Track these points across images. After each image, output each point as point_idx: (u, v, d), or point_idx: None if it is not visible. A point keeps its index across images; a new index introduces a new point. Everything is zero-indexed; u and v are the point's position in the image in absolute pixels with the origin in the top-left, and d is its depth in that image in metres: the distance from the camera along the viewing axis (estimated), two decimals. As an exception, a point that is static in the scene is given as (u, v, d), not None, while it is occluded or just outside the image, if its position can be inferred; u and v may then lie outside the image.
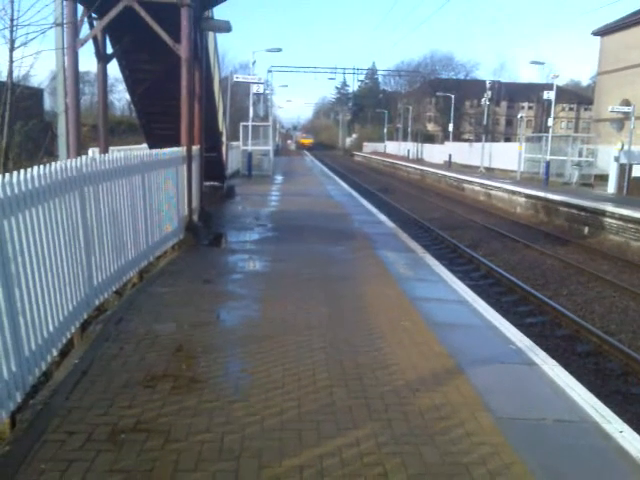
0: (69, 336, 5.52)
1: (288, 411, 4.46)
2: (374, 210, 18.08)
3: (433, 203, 28.95)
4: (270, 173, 32.38)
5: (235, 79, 34.00)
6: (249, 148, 31.42)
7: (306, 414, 4.42)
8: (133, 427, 4.11)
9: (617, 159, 25.46)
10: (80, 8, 10.66)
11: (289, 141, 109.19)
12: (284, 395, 4.73)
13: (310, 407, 4.54)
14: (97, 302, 6.46)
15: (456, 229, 20.39)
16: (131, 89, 14.04)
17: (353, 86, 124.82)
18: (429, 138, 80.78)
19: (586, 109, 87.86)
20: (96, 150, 13.07)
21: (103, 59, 12.06)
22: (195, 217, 11.74)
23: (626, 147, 25.74)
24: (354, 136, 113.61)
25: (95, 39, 11.55)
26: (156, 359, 5.36)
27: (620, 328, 10.26)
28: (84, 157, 6.25)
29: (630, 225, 17.99)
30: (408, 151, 69.72)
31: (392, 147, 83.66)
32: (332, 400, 4.68)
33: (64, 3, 10.18)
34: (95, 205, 6.39)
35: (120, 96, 66.67)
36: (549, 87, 36.99)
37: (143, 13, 10.15)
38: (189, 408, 4.42)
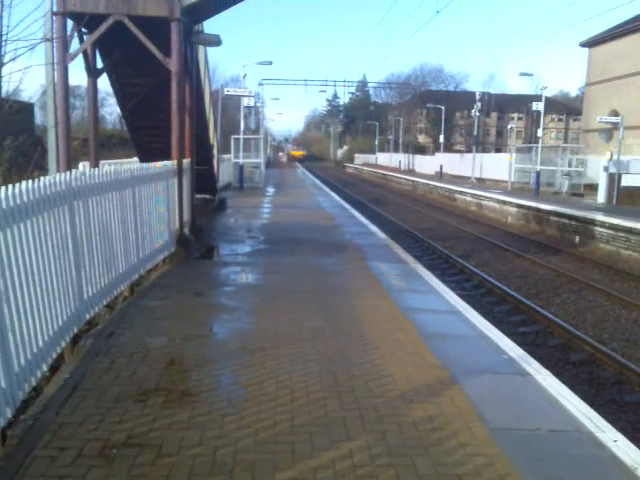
0: (59, 351, 5.46)
1: (281, 423, 4.43)
2: (366, 221, 18.10)
3: (425, 214, 29.02)
4: (261, 185, 32.40)
5: (226, 92, 34.07)
6: (240, 161, 31.45)
7: (299, 426, 4.39)
8: (124, 442, 4.07)
9: (606, 169, 25.62)
10: (70, 23, 10.66)
11: (280, 153, 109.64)
12: (277, 407, 4.70)
13: (303, 419, 4.51)
14: (88, 316, 6.41)
15: (448, 239, 20.43)
16: (121, 103, 14.04)
17: (344, 98, 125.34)
18: (420, 149, 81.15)
19: (575, 120, 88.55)
20: (87, 164, 13.05)
21: (93, 73, 12.06)
22: (186, 230, 11.71)
23: (615, 157, 25.93)
24: (345, 148, 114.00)
25: (85, 53, 11.54)
26: (148, 373, 5.32)
27: (612, 336, 10.28)
28: (74, 171, 6.23)
29: (620, 234, 18.09)
30: (399, 162, 70.03)
31: (383, 158, 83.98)
32: (325, 412, 4.65)
33: (53, 18, 10.19)
34: (85, 219, 6.35)
35: (111, 110, 66.59)
36: (538, 98, 37.27)
37: (133, 27, 10.17)
38: (181, 422, 4.38)
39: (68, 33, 10.56)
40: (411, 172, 61.33)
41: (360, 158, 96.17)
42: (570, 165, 33.69)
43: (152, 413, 4.51)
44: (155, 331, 6.57)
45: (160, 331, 6.58)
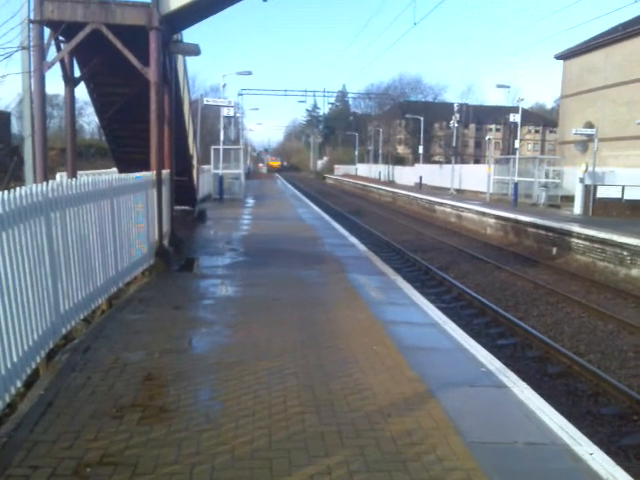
0: (34, 366, 5.38)
1: (259, 439, 4.40)
2: (346, 233, 18.13)
3: (405, 225, 29.17)
4: (241, 197, 32.35)
5: (205, 102, 34.05)
6: (220, 172, 31.38)
7: (277, 442, 4.36)
8: (99, 460, 4.01)
9: (582, 180, 26.00)
10: (47, 31, 10.58)
11: (260, 164, 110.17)
12: (255, 423, 4.67)
13: (281, 435, 4.48)
14: (64, 330, 6.33)
15: (428, 251, 20.54)
16: (100, 112, 13.94)
17: (324, 109, 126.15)
18: (400, 160, 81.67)
19: (551, 131, 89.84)
20: (64, 174, 12.91)
21: (71, 82, 11.96)
22: (166, 242, 11.63)
23: (590, 169, 26.33)
24: (325, 159, 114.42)
25: (62, 62, 11.45)
26: (125, 389, 5.25)
27: (589, 348, 10.38)
28: (51, 182, 6.16)
29: (596, 245, 18.33)
30: (379, 173, 70.39)
31: (363, 169, 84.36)
32: (303, 427, 4.63)
33: (30, 26, 10.11)
34: (62, 231, 6.29)
35: (89, 119, 66.28)
36: (515, 110, 37.81)
37: (111, 36, 10.12)
38: (157, 439, 4.33)
39: (45, 41, 10.49)
40: (391, 183, 61.65)
41: (340, 169, 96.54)
42: (547, 176, 34.14)
43: (128, 430, 4.45)
44: (133, 345, 6.50)
45: (138, 345, 6.51)
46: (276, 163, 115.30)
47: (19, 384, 4.96)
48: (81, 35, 10.20)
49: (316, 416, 4.83)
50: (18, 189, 5.19)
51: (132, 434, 4.39)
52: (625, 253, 16.98)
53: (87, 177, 7.49)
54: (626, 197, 25.16)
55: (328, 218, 23.03)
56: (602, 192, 25.68)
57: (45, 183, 5.98)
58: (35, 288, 5.43)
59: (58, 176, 13.61)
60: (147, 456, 4.08)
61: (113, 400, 4.99)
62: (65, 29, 10.17)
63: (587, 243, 18.85)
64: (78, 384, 5.33)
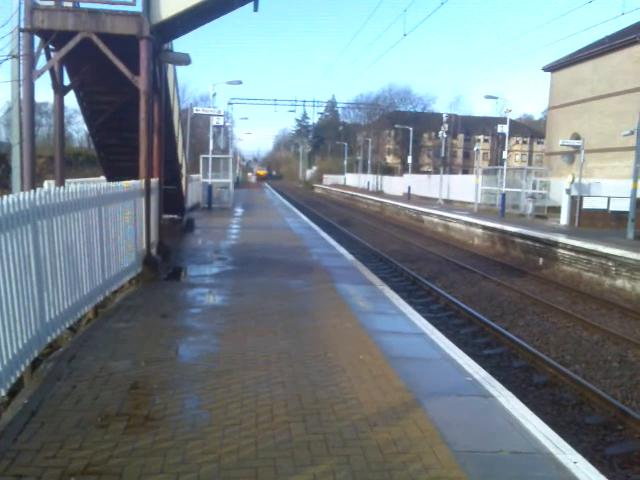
0: (18, 375, 5.35)
1: (245, 448, 4.40)
2: (334, 243, 18.16)
3: (393, 235, 29.25)
4: (230, 206, 32.33)
5: (195, 111, 34.06)
6: (209, 181, 31.37)
7: (263, 451, 4.36)
8: (83, 470, 3.99)
9: (568, 191, 26.23)
10: (37, 39, 10.58)
11: (249, 174, 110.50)
12: (241, 432, 4.66)
13: (267, 444, 4.48)
14: (49, 339, 6.30)
15: (415, 261, 20.62)
16: (89, 121, 13.92)
17: (313, 118, 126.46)
18: (388, 170, 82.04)
19: (539, 142, 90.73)
20: (52, 182, 12.87)
21: (60, 90, 11.95)
22: (154, 251, 11.60)
23: (577, 180, 26.58)
24: (314, 168, 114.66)
25: (52, 70, 11.44)
26: (110, 398, 5.23)
27: (575, 358, 10.46)
28: (38, 190, 6.15)
29: (582, 256, 18.48)
30: (368, 183, 70.60)
31: (352, 179, 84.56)
32: (290, 436, 4.63)
33: (20, 35, 10.11)
34: (49, 239, 6.27)
35: (78, 127, 66.12)
36: (503, 121, 38.09)
37: (101, 45, 10.13)
38: (143, 448, 4.32)
39: (35, 50, 10.49)
40: (379, 193, 61.84)
41: (329, 179, 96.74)
42: (534, 187, 34.41)
43: (113, 439, 4.44)
44: (119, 354, 6.48)
45: (124, 354, 6.49)
46: (262, 172, 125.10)
47: (3, 393, 4.93)
48: (71, 44, 10.20)
49: (302, 425, 4.84)
50: (5, 197, 5.18)
51: (117, 443, 4.38)
52: (610, 264, 17.13)
53: (75, 185, 7.47)
54: (612, 208, 25.42)
55: (316, 228, 23.06)
56: (588, 203, 25.92)
57: (33, 191, 5.97)
58: (20, 296, 5.41)
59: (46, 184, 13.57)
60: (132, 465, 4.07)
61: (98, 409, 4.97)
62: (55, 38, 10.17)
63: (573, 254, 19.01)
64: (63, 393, 5.31)
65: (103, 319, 8.00)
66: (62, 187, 6.97)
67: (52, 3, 10.60)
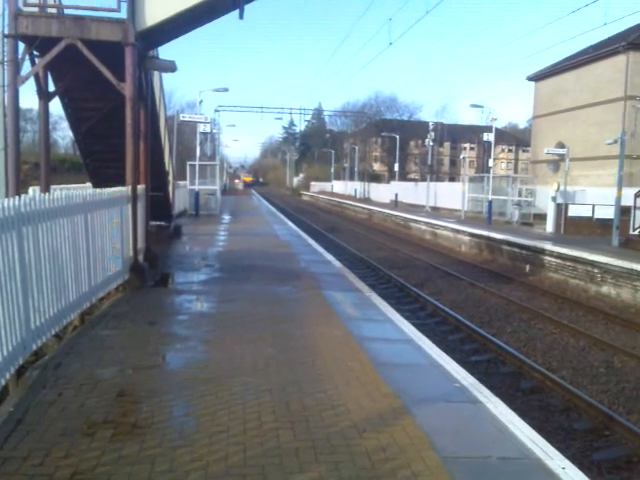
0: (3, 383, 5.28)
1: (233, 456, 4.36)
2: (321, 250, 18.16)
3: (380, 242, 29.30)
4: (217, 213, 32.26)
5: (182, 118, 33.99)
6: (196, 187, 31.30)
7: (251, 458, 4.33)
8: (70, 478, 3.93)
9: (554, 199, 26.45)
10: (21, 45, 10.52)
11: (237, 180, 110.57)
12: (229, 439, 4.63)
13: (256, 451, 4.45)
14: (35, 346, 6.23)
15: (403, 268, 20.66)
16: (74, 127, 13.84)
17: (300, 126, 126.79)
18: (375, 177, 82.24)
19: (524, 151, 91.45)
20: (37, 189, 12.77)
21: (45, 97, 11.88)
22: (140, 257, 11.53)
23: (562, 188, 26.81)
24: (301, 175, 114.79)
25: (37, 76, 11.37)
26: (97, 405, 5.18)
27: (561, 364, 10.51)
28: (23, 196, 6.10)
29: (568, 263, 18.61)
30: (355, 190, 70.74)
31: (339, 186, 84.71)
32: (278, 443, 4.60)
33: (5, 40, 10.05)
34: (34, 246, 6.21)
35: (64, 134, 65.59)
36: (489, 129, 38.41)
37: (86, 51, 10.09)
38: (130, 456, 4.27)
39: (20, 56, 10.42)
40: (367, 200, 61.98)
41: (316, 186, 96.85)
42: (520, 195, 34.65)
43: (100, 447, 4.39)
44: (105, 361, 6.42)
45: (111, 361, 6.43)
46: (248, 178, 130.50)
47: (-12, 401, 4.87)
48: (55, 50, 10.15)
49: (291, 432, 4.81)
50: (-10, 203, 5.13)
51: (104, 451, 4.33)
52: (596, 271, 17.27)
53: (60, 192, 7.42)
54: (596, 216, 25.64)
55: (304, 235, 23.06)
56: (573, 211, 26.14)
57: (17, 197, 5.92)
58: (5, 303, 5.34)
59: (31, 190, 13.45)
60: (119, 474, 4.02)
61: (85, 417, 4.91)
62: (40, 44, 10.12)
63: (559, 261, 19.14)
64: (49, 401, 5.24)
65: (89, 326, 7.93)
66: (47, 194, 6.92)
67: (36, 9, 10.55)
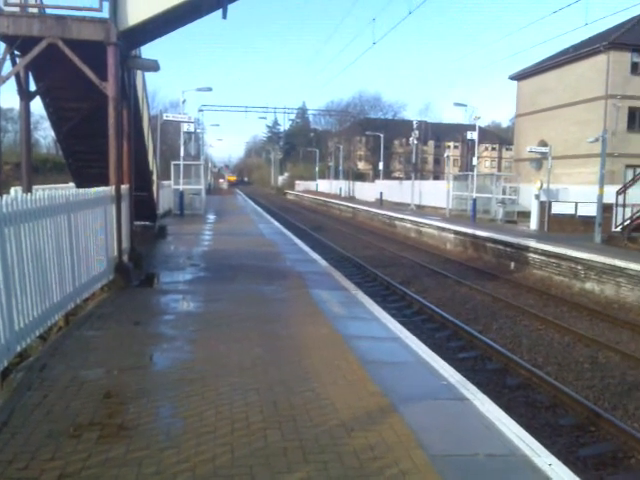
0: (-13, 386, 5.22)
1: (221, 456, 4.34)
2: (307, 249, 18.14)
3: (366, 241, 29.35)
4: (202, 212, 32.11)
5: (165, 118, 33.81)
6: (181, 187, 31.14)
7: (239, 459, 4.31)
8: (56, 481, 3.90)
9: (537, 197, 26.65)
10: (2, 45, 10.40)
11: (221, 180, 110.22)
12: (217, 439, 4.60)
13: (243, 451, 4.43)
14: (19, 348, 6.16)
15: (389, 266, 20.70)
16: (56, 127, 13.70)
17: (284, 125, 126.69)
18: (360, 176, 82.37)
19: (507, 149, 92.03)
20: (19, 189, 12.63)
21: (26, 97, 11.74)
22: (125, 257, 11.45)
23: (545, 186, 27.01)
24: (286, 174, 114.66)
25: (18, 76, 11.24)
26: (82, 407, 5.13)
27: (547, 360, 10.59)
28: (5, 197, 6.03)
29: (552, 260, 18.76)
30: (340, 189, 70.78)
31: (324, 185, 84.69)
32: (266, 443, 4.59)
33: (-15, 41, 9.93)
34: (16, 246, 6.14)
35: (46, 133, 65.06)
36: (472, 128, 38.63)
37: (68, 51, 9.99)
38: (116, 458, 4.23)
39: (0, 56, 10.30)
40: (352, 199, 62.04)
41: (301, 185, 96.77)
42: (504, 193, 34.89)
43: (86, 449, 4.34)
44: (91, 363, 6.36)
45: (96, 363, 6.37)
46: (232, 178, 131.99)
47: (-29, 404, 4.80)
48: (37, 50, 10.04)
49: (278, 432, 4.80)
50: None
51: (90, 454, 4.29)
52: (579, 267, 17.42)
53: (43, 192, 7.34)
54: (579, 213, 25.87)
55: (289, 234, 23.02)
56: (556, 208, 26.37)
57: (-1, 198, 5.85)
58: (-11, 305, 5.28)
59: (12, 191, 13.29)
60: (106, 476, 3.99)
61: (70, 419, 4.86)
62: (21, 43, 10.01)
63: (543, 258, 19.28)
64: (34, 403, 5.18)
65: (74, 327, 7.85)
66: (30, 194, 6.84)
67: (17, 9, 10.43)
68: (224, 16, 12.21)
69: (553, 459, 4.64)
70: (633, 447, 7.15)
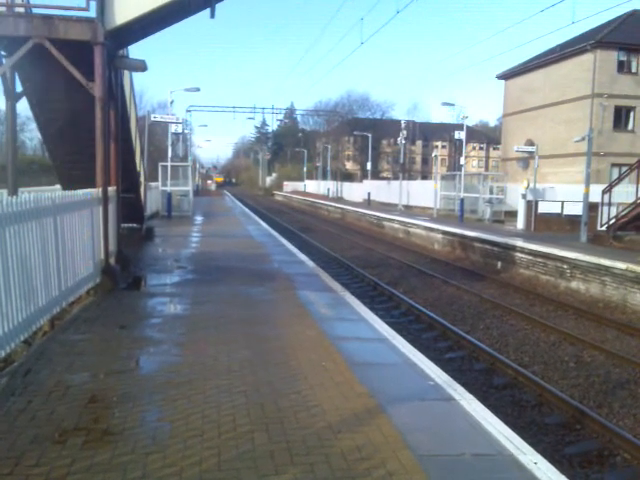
0: (-29, 391, 5.18)
1: (207, 460, 4.33)
2: (295, 250, 18.12)
3: (353, 241, 29.37)
4: (190, 214, 32.01)
5: (153, 119, 33.65)
6: (168, 189, 31.01)
7: (226, 462, 4.31)
8: (41, 487, 3.87)
9: (524, 196, 26.80)
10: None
11: (209, 181, 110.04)
12: (203, 443, 4.60)
13: (230, 454, 4.43)
14: (3, 353, 6.12)
15: (376, 267, 20.73)
16: (42, 128, 13.60)
17: (272, 125, 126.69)
18: (348, 177, 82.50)
19: (495, 148, 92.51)
20: (4, 192, 12.53)
21: (12, 97, 11.66)
22: (112, 260, 11.39)
23: (531, 185, 27.16)
24: (274, 175, 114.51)
25: (4, 77, 11.17)
26: (67, 412, 5.10)
27: (533, 360, 10.65)
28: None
29: (538, 259, 18.87)
30: (328, 190, 70.77)
31: (312, 186, 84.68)
32: (253, 446, 4.58)
33: (-30, 41, 9.85)
34: (1, 250, 6.10)
35: (32, 135, 64.35)
36: (460, 127, 38.76)
37: (54, 51, 9.93)
38: (102, 463, 4.21)
39: (-15, 57, 10.23)
40: (340, 199, 62.06)
41: (289, 186, 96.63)
42: (491, 192, 35.03)
43: (71, 455, 4.32)
44: (76, 367, 6.33)
45: (81, 367, 6.33)
46: (220, 178, 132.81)
47: (-45, 410, 4.76)
48: (23, 50, 9.97)
49: (266, 434, 4.79)
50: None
51: (75, 459, 4.26)
52: (565, 266, 17.54)
53: (29, 194, 7.29)
54: (565, 212, 26.02)
55: (277, 235, 22.99)
56: (543, 208, 26.52)
57: (-17, 201, 5.80)
58: (-28, 310, 5.24)
59: (-3, 193, 13.19)
60: (91, 481, 3.97)
61: (55, 424, 4.83)
62: (7, 43, 9.94)
63: (530, 257, 19.40)
64: (18, 408, 5.15)
65: (59, 331, 7.80)
66: (15, 196, 6.80)
67: (3, 9, 10.36)
68: (212, 15, 12.18)
69: (539, 457, 4.67)
70: (618, 445, 7.21)
